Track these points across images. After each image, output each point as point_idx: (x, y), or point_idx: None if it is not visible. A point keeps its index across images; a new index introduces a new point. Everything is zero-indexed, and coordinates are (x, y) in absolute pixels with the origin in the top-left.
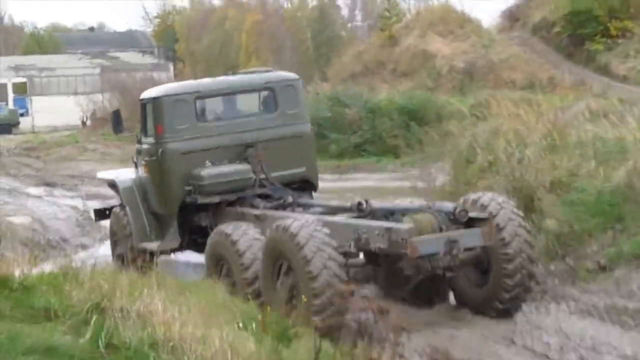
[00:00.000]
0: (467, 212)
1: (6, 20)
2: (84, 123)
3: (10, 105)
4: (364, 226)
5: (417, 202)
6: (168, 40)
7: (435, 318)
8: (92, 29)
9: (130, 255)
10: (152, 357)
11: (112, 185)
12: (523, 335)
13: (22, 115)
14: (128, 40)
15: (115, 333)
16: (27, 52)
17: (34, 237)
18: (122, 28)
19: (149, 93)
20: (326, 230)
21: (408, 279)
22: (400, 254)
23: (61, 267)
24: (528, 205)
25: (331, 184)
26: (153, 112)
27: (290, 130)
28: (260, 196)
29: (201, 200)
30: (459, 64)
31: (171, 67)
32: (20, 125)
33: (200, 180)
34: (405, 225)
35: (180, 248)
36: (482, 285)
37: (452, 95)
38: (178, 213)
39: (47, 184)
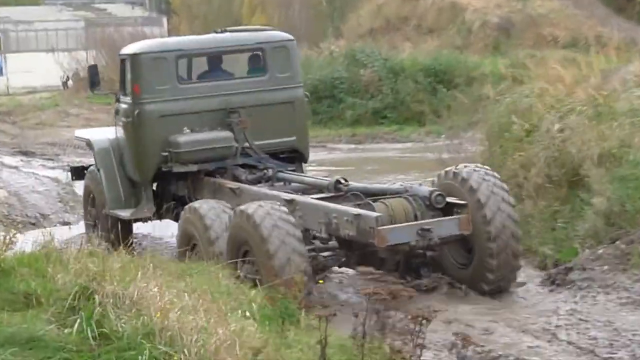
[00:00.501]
0: (443, 197)
1: None
2: (65, 84)
3: None
4: (334, 210)
5: (398, 183)
6: None
7: (454, 305)
8: None
9: (104, 223)
10: (148, 348)
11: (89, 144)
12: (567, 329)
13: None
14: None
15: (106, 321)
16: (1, 3)
17: (10, 213)
18: None
19: (128, 48)
20: (290, 219)
21: (383, 261)
22: (368, 243)
23: (42, 247)
24: (572, 181)
25: (345, 155)
26: (131, 69)
27: (280, 95)
28: (243, 166)
29: (177, 168)
30: (493, 18)
31: (165, 22)
32: None
33: (177, 148)
34: (373, 213)
35: (157, 217)
36: (468, 265)
37: (485, 55)
38: (155, 180)
39: (24, 153)
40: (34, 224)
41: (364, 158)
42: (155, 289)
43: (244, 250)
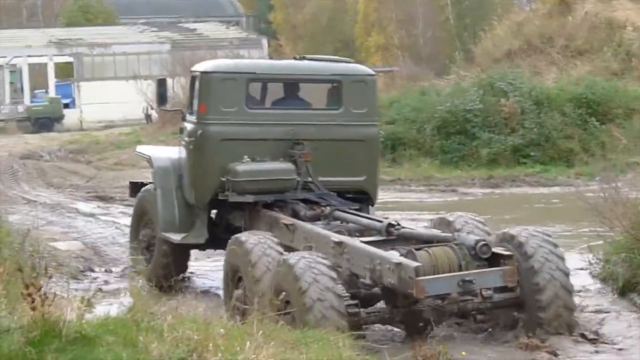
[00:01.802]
0: (489, 247)
1: None
2: (148, 117)
3: (52, 93)
4: (378, 257)
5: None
6: (261, 8)
7: None
8: None
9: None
10: None
11: (149, 162)
12: None
13: (66, 106)
14: (207, 6)
15: None
16: (72, 22)
17: (86, 268)
18: None
19: (200, 66)
20: (330, 273)
21: (429, 322)
22: (407, 293)
23: (130, 310)
24: None
25: (479, 201)
26: (200, 87)
27: (353, 131)
28: (305, 201)
29: (232, 198)
30: None
31: (265, 43)
32: (64, 120)
33: (235, 176)
34: (414, 262)
35: (211, 246)
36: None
37: None
38: (214, 208)
39: (102, 198)
40: (115, 282)
41: (501, 204)
42: None
43: (286, 300)
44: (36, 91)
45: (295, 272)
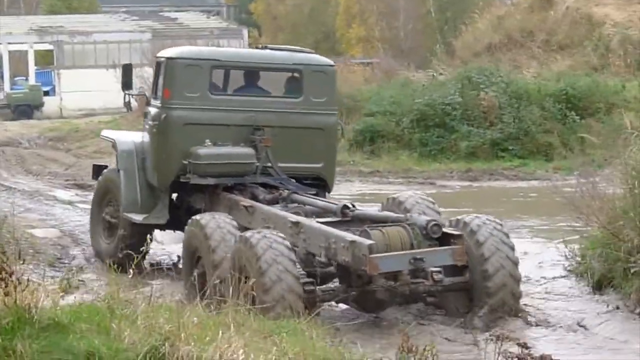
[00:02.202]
0: (440, 227)
1: None
2: (128, 105)
3: (32, 81)
4: (333, 235)
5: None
6: None
7: None
8: None
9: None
10: None
11: (113, 145)
12: None
13: (46, 93)
14: None
15: None
16: (53, 10)
17: (63, 255)
18: None
19: (165, 52)
20: (290, 254)
21: (381, 303)
22: (361, 270)
23: (104, 298)
24: None
25: (457, 194)
26: (165, 73)
27: (312, 120)
28: (264, 185)
29: (194, 180)
30: (636, 34)
31: (245, 34)
32: (44, 107)
33: (197, 159)
34: (367, 240)
35: (172, 227)
36: (468, 312)
37: (627, 77)
38: (175, 190)
39: (80, 186)
40: (92, 270)
41: (479, 197)
42: (240, 351)
43: (245, 276)
44: (16, 78)
45: (256, 252)
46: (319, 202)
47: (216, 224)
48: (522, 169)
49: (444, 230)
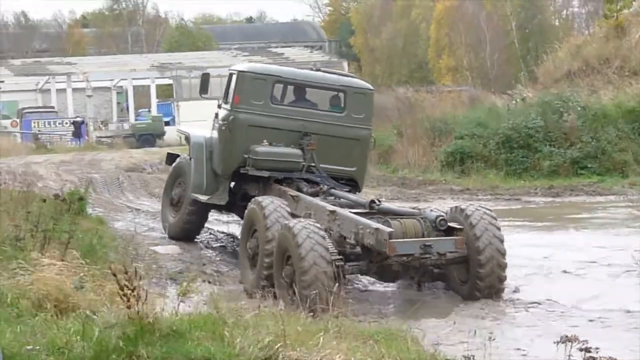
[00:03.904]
0: (446, 221)
1: (149, 10)
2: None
3: (154, 112)
4: (362, 223)
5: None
6: (342, 33)
7: None
8: (250, 19)
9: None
10: None
11: (187, 139)
12: None
13: (167, 123)
14: (293, 32)
15: None
16: (173, 48)
17: (183, 270)
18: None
19: (237, 66)
20: (322, 232)
21: (397, 274)
22: (382, 251)
23: (217, 307)
24: None
25: (538, 208)
26: (236, 83)
27: (351, 132)
28: (307, 181)
29: (252, 172)
30: None
31: (345, 66)
32: (165, 136)
33: (255, 155)
34: (388, 228)
35: (228, 209)
36: (467, 281)
37: None
38: (233, 177)
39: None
40: (210, 282)
41: (561, 212)
42: (339, 356)
43: (287, 256)
44: (140, 110)
45: (297, 240)
46: (352, 196)
47: (274, 207)
48: (600, 185)
49: (449, 224)
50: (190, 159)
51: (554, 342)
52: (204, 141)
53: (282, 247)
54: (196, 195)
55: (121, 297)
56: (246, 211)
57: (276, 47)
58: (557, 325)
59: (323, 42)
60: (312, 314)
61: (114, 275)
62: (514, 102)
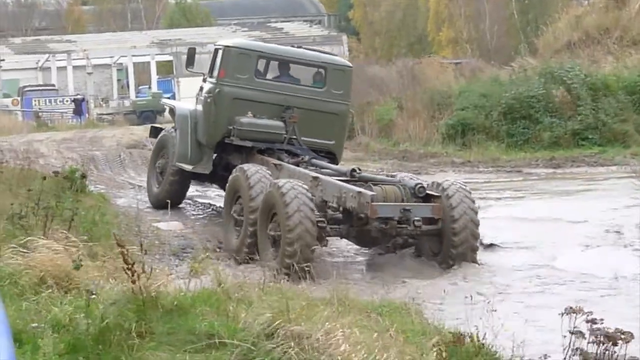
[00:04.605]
0: (424, 188)
1: None
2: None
3: (154, 89)
4: (345, 187)
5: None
6: (340, 7)
7: None
8: None
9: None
10: None
11: (172, 111)
12: None
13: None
14: (292, 7)
15: None
16: (172, 24)
17: (186, 246)
18: None
19: (223, 42)
20: (307, 193)
21: (375, 240)
22: (364, 213)
23: (222, 283)
24: None
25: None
26: (221, 58)
27: (330, 106)
28: (288, 152)
29: (236, 141)
30: None
31: (344, 40)
32: (166, 112)
33: (240, 126)
34: (370, 191)
35: (210, 179)
36: (438, 253)
37: None
38: (217, 148)
39: (201, 184)
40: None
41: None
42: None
43: (273, 213)
44: (140, 87)
45: (285, 200)
46: (332, 166)
47: (255, 170)
48: (602, 156)
49: (427, 191)
50: (175, 130)
51: (559, 314)
52: (189, 113)
53: (269, 204)
54: (181, 164)
55: (126, 272)
56: (230, 177)
57: (275, 22)
58: (558, 294)
59: (322, 17)
60: (289, 269)
61: (120, 246)
62: (520, 71)
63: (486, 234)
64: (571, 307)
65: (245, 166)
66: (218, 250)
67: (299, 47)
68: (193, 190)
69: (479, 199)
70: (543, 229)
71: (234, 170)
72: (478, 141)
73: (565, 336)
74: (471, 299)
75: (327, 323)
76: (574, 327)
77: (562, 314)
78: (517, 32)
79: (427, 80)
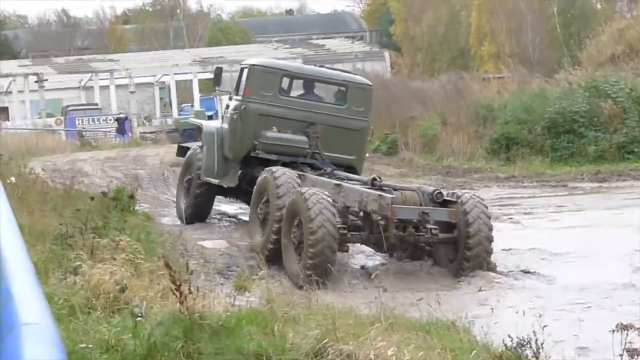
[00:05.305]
0: (442, 194)
1: (191, 5)
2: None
3: (197, 107)
4: (366, 192)
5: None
6: (382, 22)
7: None
8: (290, 11)
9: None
10: None
11: (199, 128)
12: None
13: (210, 117)
14: (334, 23)
15: None
16: (213, 42)
17: (231, 264)
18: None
19: (248, 61)
20: (329, 199)
21: (393, 247)
22: (384, 215)
23: (267, 302)
24: None
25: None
26: (247, 76)
27: (351, 123)
28: (310, 165)
29: (262, 155)
30: None
31: (386, 55)
32: None
33: (266, 140)
34: (390, 194)
35: (234, 194)
36: (454, 260)
37: None
38: (242, 163)
39: (244, 201)
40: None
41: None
42: (391, 349)
43: (297, 220)
44: (183, 105)
45: (308, 204)
46: (354, 176)
47: (283, 171)
48: None
49: (444, 198)
50: (201, 148)
51: (609, 331)
52: (215, 130)
53: (293, 211)
54: (208, 178)
55: (173, 293)
56: (258, 179)
57: (317, 38)
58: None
59: (364, 32)
60: (313, 271)
61: (168, 267)
62: (564, 85)
63: (536, 247)
64: (622, 323)
65: (274, 168)
66: (262, 268)
67: (321, 66)
68: (237, 207)
69: (522, 214)
70: (590, 241)
71: (262, 172)
72: (522, 155)
73: (621, 355)
74: (523, 314)
75: (374, 342)
76: (629, 343)
77: (613, 331)
78: (560, 45)
79: (471, 94)
